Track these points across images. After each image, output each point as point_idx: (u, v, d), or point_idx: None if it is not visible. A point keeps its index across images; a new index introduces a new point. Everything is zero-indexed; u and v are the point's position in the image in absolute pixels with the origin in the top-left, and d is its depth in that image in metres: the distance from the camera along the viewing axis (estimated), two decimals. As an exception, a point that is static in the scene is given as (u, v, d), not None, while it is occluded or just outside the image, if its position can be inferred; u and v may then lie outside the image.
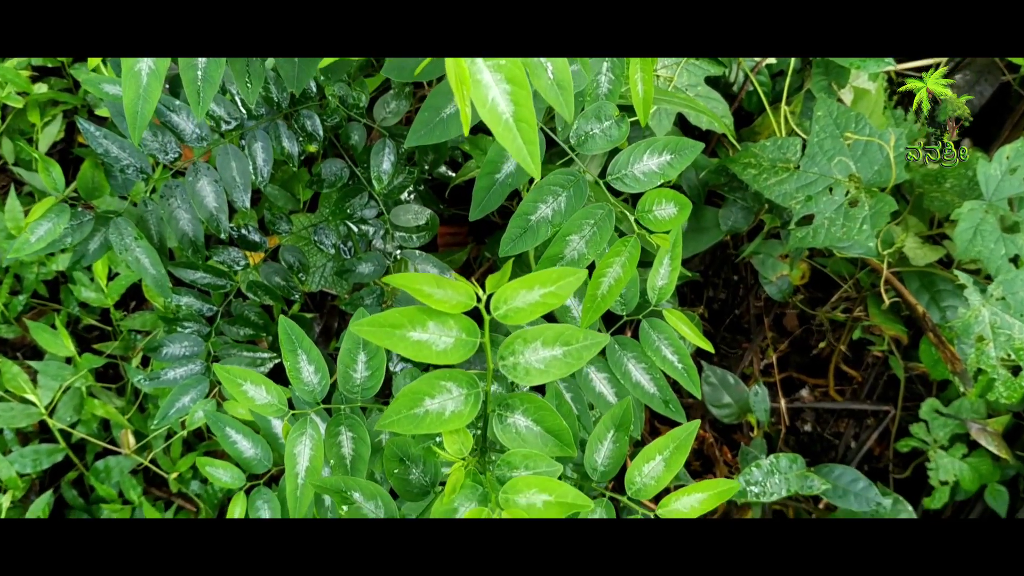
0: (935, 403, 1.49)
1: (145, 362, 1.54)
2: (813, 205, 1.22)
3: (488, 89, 0.57)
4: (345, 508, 0.72)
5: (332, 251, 1.28)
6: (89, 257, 1.15)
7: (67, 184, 1.15)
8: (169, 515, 1.46)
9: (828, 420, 1.68)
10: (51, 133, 1.52)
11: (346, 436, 0.87)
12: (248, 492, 1.08)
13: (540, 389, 0.94)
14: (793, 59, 1.29)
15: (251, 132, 1.14)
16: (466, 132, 0.55)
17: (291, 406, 0.88)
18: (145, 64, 0.71)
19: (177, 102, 1.09)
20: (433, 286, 0.56)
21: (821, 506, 1.57)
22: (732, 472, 1.55)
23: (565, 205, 0.87)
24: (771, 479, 1.31)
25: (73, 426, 1.47)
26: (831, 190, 1.22)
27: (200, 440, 1.55)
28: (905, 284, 1.37)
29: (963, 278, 1.23)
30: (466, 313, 0.59)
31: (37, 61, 1.51)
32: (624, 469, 0.84)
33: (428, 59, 0.76)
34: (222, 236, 1.13)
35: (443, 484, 0.71)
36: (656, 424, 1.63)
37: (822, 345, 1.65)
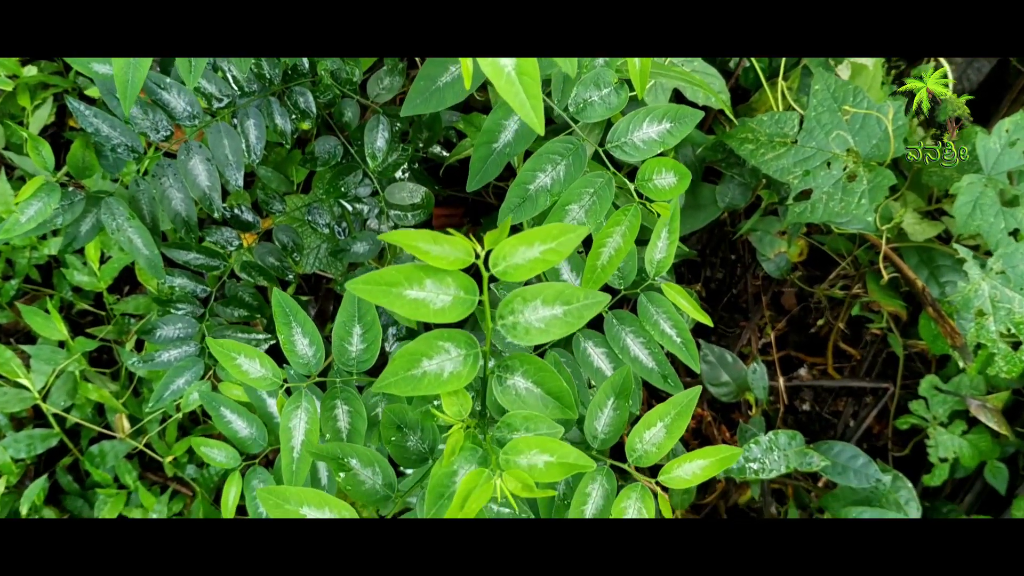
0: (934, 380, 1.48)
1: (139, 347, 1.52)
2: (811, 180, 1.21)
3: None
4: (342, 475, 0.71)
5: (326, 231, 1.27)
6: (81, 239, 1.14)
7: (58, 168, 1.13)
8: (165, 499, 1.45)
9: (827, 398, 1.68)
10: (42, 116, 1.51)
11: (342, 410, 0.86)
12: (244, 472, 1.07)
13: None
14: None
15: (243, 109, 1.12)
16: (468, 86, 0.53)
17: (286, 383, 0.87)
18: (134, 29, 0.70)
19: (168, 79, 1.08)
20: (430, 242, 0.54)
21: (820, 484, 1.56)
22: (731, 452, 1.55)
23: (564, 174, 0.86)
24: (770, 456, 1.30)
25: (67, 411, 1.46)
26: (829, 164, 1.21)
27: (195, 424, 1.54)
28: (904, 259, 1.36)
29: (962, 252, 1.22)
30: (464, 271, 0.58)
31: (26, 43, 1.49)
32: (623, 442, 0.84)
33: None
34: (215, 215, 1.12)
35: (442, 448, 0.70)
36: (654, 403, 1.62)
37: (820, 323, 1.65)
